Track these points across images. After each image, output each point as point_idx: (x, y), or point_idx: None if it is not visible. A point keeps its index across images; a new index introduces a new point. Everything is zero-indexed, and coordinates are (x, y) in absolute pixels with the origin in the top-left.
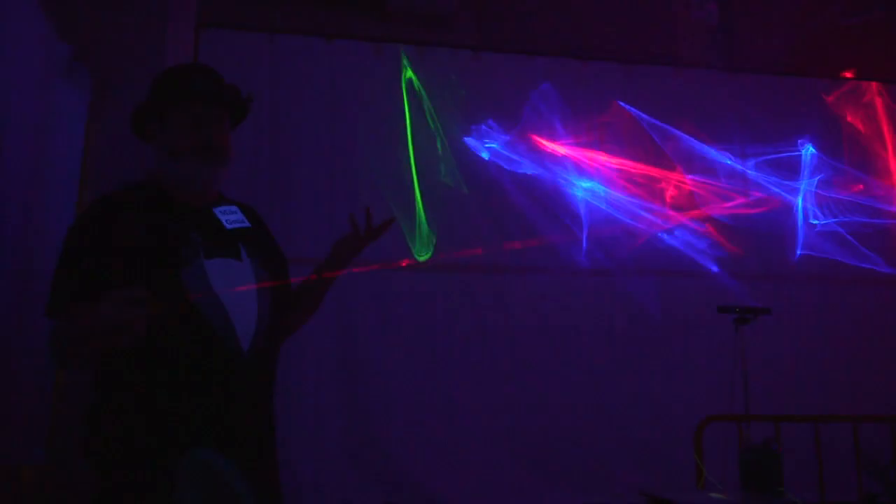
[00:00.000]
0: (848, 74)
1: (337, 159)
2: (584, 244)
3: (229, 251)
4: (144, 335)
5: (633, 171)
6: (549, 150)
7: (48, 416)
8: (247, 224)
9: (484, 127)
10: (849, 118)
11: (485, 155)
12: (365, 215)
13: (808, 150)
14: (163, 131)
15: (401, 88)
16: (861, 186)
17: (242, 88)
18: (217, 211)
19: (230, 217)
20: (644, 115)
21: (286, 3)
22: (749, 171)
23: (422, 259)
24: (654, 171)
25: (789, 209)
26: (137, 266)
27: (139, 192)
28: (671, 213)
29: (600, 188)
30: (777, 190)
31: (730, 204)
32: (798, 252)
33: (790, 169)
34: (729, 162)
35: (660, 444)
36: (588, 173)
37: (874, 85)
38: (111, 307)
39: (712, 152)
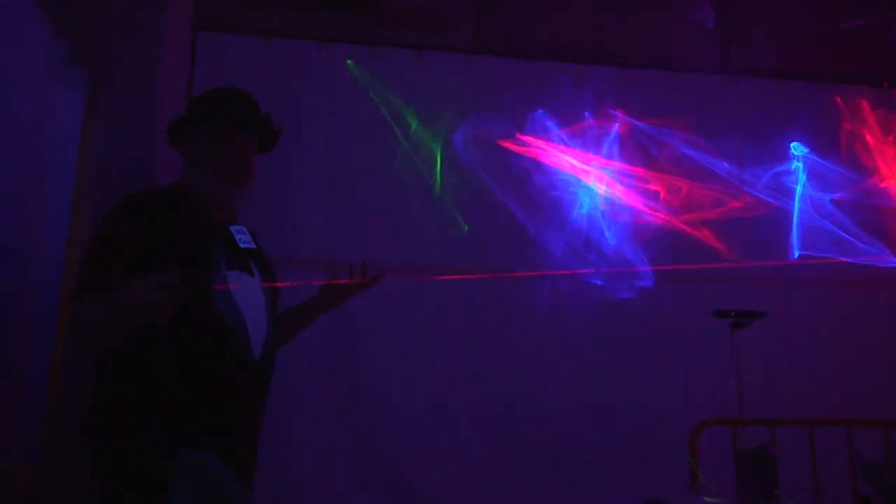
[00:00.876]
0: (844, 77)
1: (334, 162)
2: (580, 248)
3: (244, 266)
4: (172, 314)
5: (628, 174)
6: (546, 154)
7: (45, 415)
8: (254, 246)
9: (480, 130)
10: (844, 120)
11: (481, 158)
12: (361, 268)
13: (805, 153)
14: (195, 148)
15: (398, 92)
16: (857, 187)
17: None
18: (233, 229)
19: (242, 237)
20: (640, 119)
21: (283, 6)
22: (745, 174)
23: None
24: (649, 175)
25: (786, 212)
26: (168, 265)
27: (170, 197)
28: (667, 216)
29: (596, 191)
30: (773, 192)
31: (726, 207)
32: (794, 255)
33: (786, 172)
34: (725, 165)
35: (655, 448)
36: (584, 177)
37: (863, 88)
38: (144, 287)
39: (708, 156)
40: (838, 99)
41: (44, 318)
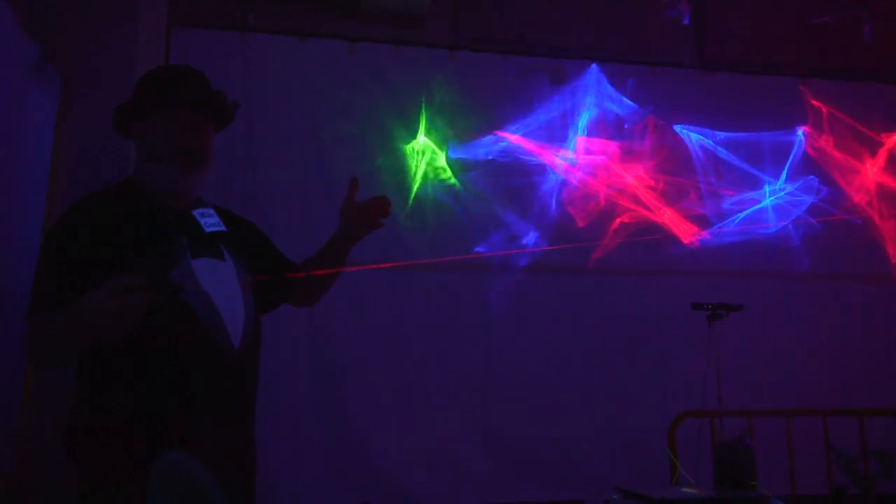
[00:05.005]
0: (816, 71)
1: (311, 159)
2: (559, 241)
3: (213, 251)
4: (138, 323)
5: (606, 169)
6: (524, 149)
7: (17, 421)
8: (223, 228)
9: (457, 125)
10: (816, 114)
11: (460, 154)
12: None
13: (779, 147)
14: (146, 134)
15: (376, 87)
16: (827, 177)
17: (215, 88)
18: (195, 213)
19: (208, 220)
20: (618, 113)
21: (259, 1)
22: (721, 168)
23: None
24: (627, 169)
25: (760, 207)
26: (124, 267)
27: (120, 194)
28: (644, 210)
29: (574, 186)
30: (748, 186)
31: (703, 201)
32: (768, 250)
33: (761, 166)
34: (702, 159)
35: (635, 440)
36: (562, 171)
37: (835, 82)
38: (107, 294)
39: (685, 150)
40: (808, 92)
41: (16, 324)
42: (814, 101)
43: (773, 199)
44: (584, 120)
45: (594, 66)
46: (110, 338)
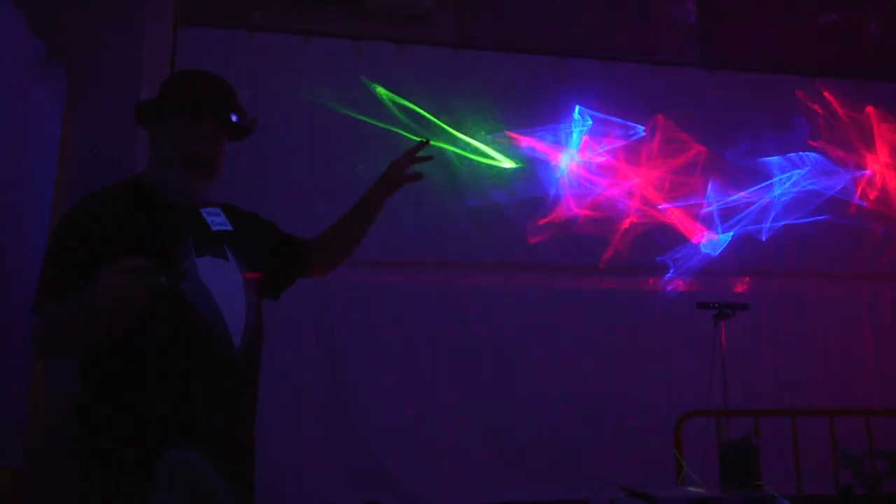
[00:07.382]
0: (821, 70)
1: (316, 158)
2: (565, 241)
3: (217, 251)
4: (140, 308)
5: (612, 168)
6: (531, 148)
7: (24, 416)
8: (229, 227)
9: (463, 125)
10: (820, 112)
11: (466, 153)
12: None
13: (785, 145)
14: (160, 135)
15: (381, 86)
16: (832, 176)
17: None
18: (203, 212)
19: (215, 219)
20: (622, 112)
21: (264, 1)
22: (727, 167)
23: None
24: (633, 169)
25: (766, 205)
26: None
27: (128, 191)
28: (650, 210)
29: (580, 185)
30: (754, 186)
31: (709, 200)
32: (774, 249)
33: (767, 164)
34: (708, 158)
35: (640, 440)
36: (568, 171)
37: (840, 80)
38: (112, 274)
39: (690, 149)
40: (815, 91)
41: (24, 320)
42: (817, 101)
43: (780, 197)
44: (589, 120)
45: (600, 65)
46: (115, 322)
